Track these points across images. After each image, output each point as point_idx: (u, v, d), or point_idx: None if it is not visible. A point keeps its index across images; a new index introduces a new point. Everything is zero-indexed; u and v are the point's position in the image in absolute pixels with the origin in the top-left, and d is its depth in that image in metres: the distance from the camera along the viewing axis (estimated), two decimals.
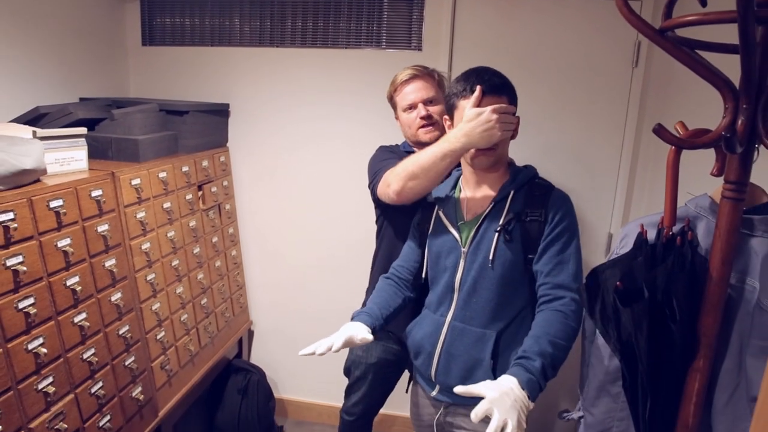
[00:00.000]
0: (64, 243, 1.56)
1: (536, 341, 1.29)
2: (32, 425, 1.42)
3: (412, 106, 1.77)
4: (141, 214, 1.91)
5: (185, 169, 2.21)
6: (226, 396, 2.57)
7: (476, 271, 1.42)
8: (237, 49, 2.59)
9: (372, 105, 2.45)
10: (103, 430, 1.66)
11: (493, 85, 1.36)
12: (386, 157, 1.81)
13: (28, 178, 1.52)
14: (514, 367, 1.25)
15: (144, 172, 1.95)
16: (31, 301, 1.44)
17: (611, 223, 2.44)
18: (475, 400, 1.45)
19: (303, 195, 2.65)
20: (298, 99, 2.56)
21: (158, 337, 1.97)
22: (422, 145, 1.72)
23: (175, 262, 2.12)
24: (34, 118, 1.90)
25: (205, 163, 2.38)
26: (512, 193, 1.43)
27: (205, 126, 2.42)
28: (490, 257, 1.40)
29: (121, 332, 1.77)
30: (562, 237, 1.39)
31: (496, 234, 1.40)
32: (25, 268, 1.42)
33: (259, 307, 2.83)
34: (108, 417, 1.68)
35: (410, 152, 1.77)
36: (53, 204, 1.53)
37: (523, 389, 1.18)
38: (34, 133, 1.65)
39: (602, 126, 2.35)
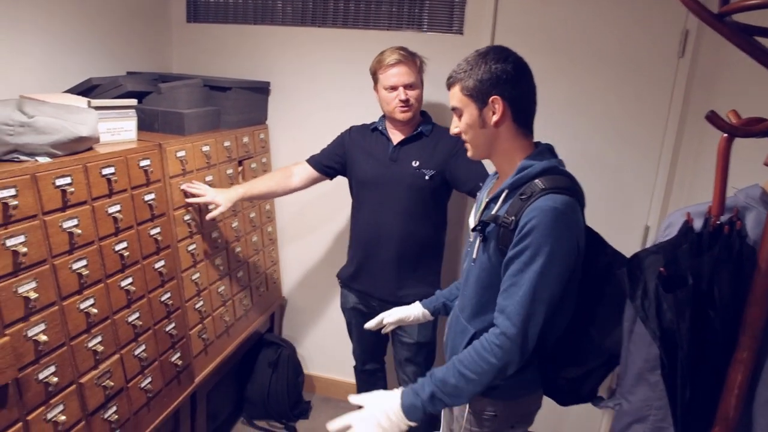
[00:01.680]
0: (114, 209, 1.62)
1: (447, 367, 1.27)
2: (83, 380, 1.49)
3: (393, 88, 1.97)
4: (185, 186, 1.96)
5: (227, 144, 2.26)
6: (257, 368, 2.64)
7: (467, 264, 1.42)
8: (279, 28, 2.62)
9: None
10: (144, 391, 1.73)
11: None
12: (327, 146, 2.24)
13: (83, 146, 1.58)
14: (409, 386, 1.28)
15: (189, 145, 2.00)
16: (83, 263, 1.50)
17: (648, 215, 2.41)
18: None
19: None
20: (337, 79, 2.58)
21: (197, 306, 2.04)
22: (396, 121, 2.05)
23: (215, 235, 2.18)
24: (86, 89, 1.96)
25: (245, 140, 2.42)
26: (506, 192, 1.31)
27: (247, 103, 2.47)
28: (474, 255, 1.37)
29: (163, 299, 1.84)
30: (524, 254, 1.21)
31: (477, 233, 1.35)
32: (79, 231, 1.48)
33: (292, 284, 2.89)
34: (149, 379, 1.75)
35: (379, 130, 2.12)
36: (105, 171, 1.59)
37: (402, 410, 1.24)
38: (89, 102, 1.71)
39: (644, 117, 2.31)
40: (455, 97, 1.32)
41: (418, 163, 2.01)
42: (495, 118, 1.28)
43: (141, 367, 1.72)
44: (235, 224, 2.33)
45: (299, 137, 2.69)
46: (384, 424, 1.23)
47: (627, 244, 2.45)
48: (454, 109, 1.35)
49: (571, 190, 1.25)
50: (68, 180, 1.46)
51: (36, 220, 1.36)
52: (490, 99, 1.27)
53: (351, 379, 2.86)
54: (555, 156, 1.35)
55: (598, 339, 1.35)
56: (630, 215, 2.42)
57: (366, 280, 2.14)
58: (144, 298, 1.75)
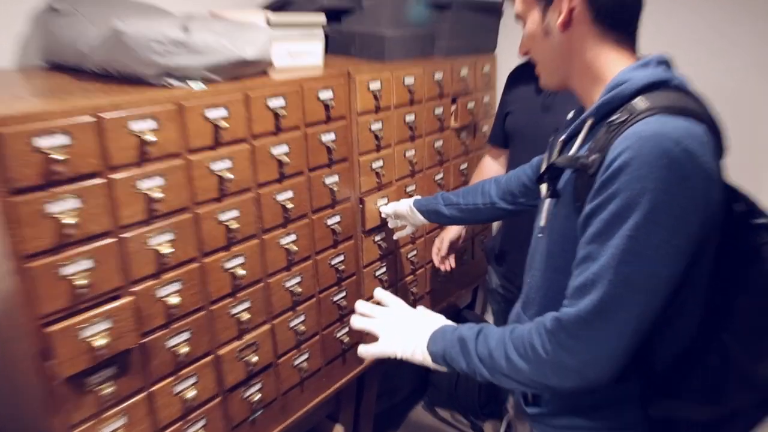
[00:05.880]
0: (279, 151, 1.32)
1: (501, 330, 0.92)
2: (221, 352, 1.27)
3: None
4: (376, 126, 1.60)
5: (438, 76, 1.81)
6: None
7: (533, 239, 1.03)
8: None
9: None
10: (297, 370, 1.47)
11: None
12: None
13: (249, 71, 1.29)
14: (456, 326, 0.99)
15: (387, 75, 1.60)
16: (234, 213, 1.24)
17: None
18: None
19: None
20: None
21: (377, 273, 1.70)
22: None
23: (411, 188, 1.80)
24: (281, 5, 1.69)
25: (463, 72, 1.94)
26: (588, 123, 0.88)
27: (470, 26, 1.95)
28: (542, 222, 0.97)
29: (333, 262, 1.53)
30: (608, 207, 0.76)
31: (544, 187, 0.95)
32: (232, 176, 1.21)
33: None
34: (305, 356, 1.49)
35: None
36: (272, 103, 1.29)
37: (429, 334, 0.99)
38: (268, 19, 1.41)
39: None
40: (517, 1, 0.97)
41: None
42: (561, 18, 0.87)
43: (297, 341, 1.46)
44: (439, 176, 1.92)
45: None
46: (405, 341, 1.01)
47: None
48: (518, 18, 0.98)
49: (697, 113, 0.77)
50: (223, 112, 1.19)
51: (178, 159, 1.13)
52: None
53: None
54: (670, 69, 0.86)
55: (744, 359, 0.83)
56: None
57: (510, 256, 1.74)
58: (309, 260, 1.46)
